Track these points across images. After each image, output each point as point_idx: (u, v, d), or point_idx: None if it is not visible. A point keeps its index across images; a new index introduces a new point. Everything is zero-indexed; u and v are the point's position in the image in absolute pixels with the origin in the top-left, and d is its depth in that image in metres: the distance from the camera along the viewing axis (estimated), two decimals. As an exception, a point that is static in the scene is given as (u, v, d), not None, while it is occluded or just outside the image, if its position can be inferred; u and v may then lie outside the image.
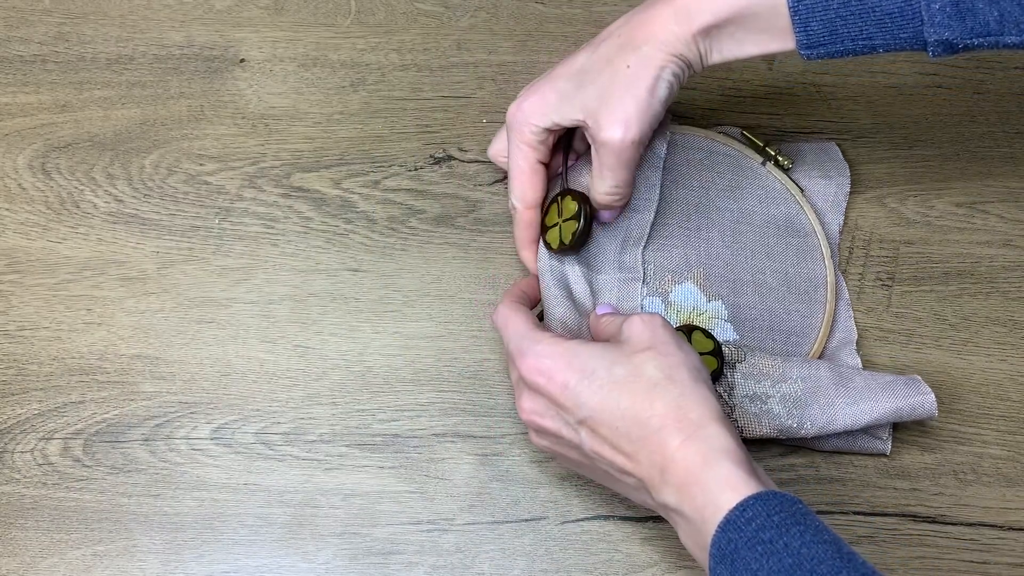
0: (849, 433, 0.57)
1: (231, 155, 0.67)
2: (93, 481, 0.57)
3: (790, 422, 0.55)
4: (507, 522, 0.56)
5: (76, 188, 0.65)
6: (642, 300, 0.59)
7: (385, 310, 0.62)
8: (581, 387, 0.49)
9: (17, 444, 0.58)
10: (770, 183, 0.64)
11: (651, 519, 0.56)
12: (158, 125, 0.67)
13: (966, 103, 0.71)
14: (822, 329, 0.60)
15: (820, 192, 0.65)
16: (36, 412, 0.58)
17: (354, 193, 0.66)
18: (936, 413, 0.55)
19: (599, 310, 0.56)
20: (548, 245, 0.58)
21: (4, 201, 0.65)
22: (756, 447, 0.58)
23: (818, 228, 0.63)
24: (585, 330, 0.57)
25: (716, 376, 0.56)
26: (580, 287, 0.58)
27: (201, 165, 0.66)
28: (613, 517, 0.56)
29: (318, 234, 0.64)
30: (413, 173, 0.67)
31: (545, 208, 0.59)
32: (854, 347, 0.60)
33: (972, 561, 0.56)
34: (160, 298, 0.62)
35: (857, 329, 0.62)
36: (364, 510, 0.57)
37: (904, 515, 0.57)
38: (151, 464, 0.57)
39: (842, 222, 0.65)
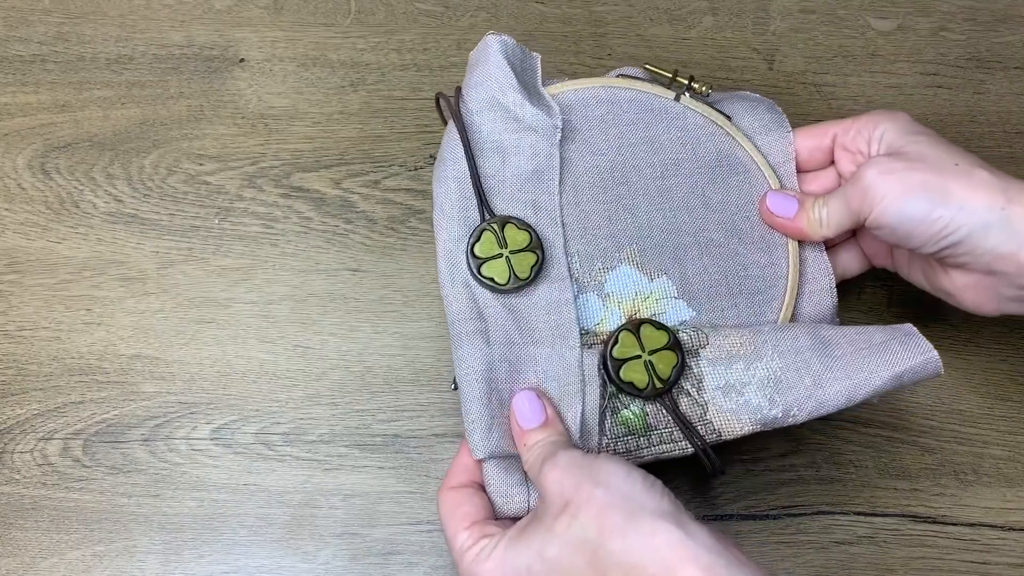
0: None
1: (231, 155, 0.67)
2: (93, 481, 0.57)
3: (774, 412, 0.48)
4: (507, 522, 0.56)
5: (76, 188, 0.65)
6: (576, 301, 0.51)
7: (385, 310, 0.62)
8: None
9: (17, 444, 0.58)
10: (690, 120, 0.54)
11: (651, 519, 0.56)
12: (158, 125, 0.67)
13: (966, 103, 0.71)
14: (790, 277, 0.53)
15: (749, 112, 0.56)
16: (36, 412, 0.58)
17: (354, 193, 0.66)
18: (942, 370, 0.49)
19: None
20: (491, 282, 0.50)
21: (4, 201, 0.65)
22: (755, 448, 0.58)
23: (757, 156, 0.54)
24: (495, 366, 0.49)
25: (680, 371, 0.49)
26: (494, 310, 0.50)
27: (201, 165, 0.66)
28: (613, 517, 0.56)
29: (318, 234, 0.64)
30: (413, 173, 0.67)
31: (475, 235, 0.50)
32: (833, 289, 0.53)
33: (972, 561, 0.56)
34: (160, 298, 0.62)
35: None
36: (364, 510, 0.57)
37: (904, 515, 0.57)
38: (151, 464, 0.57)
39: (791, 144, 0.55)
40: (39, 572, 0.55)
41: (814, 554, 0.56)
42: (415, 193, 0.66)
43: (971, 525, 0.57)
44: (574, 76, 0.57)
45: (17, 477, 0.57)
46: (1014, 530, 0.57)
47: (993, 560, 0.56)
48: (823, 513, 0.57)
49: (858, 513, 0.57)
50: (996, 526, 0.57)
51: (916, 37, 0.74)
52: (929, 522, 0.57)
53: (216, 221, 0.64)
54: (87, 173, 0.66)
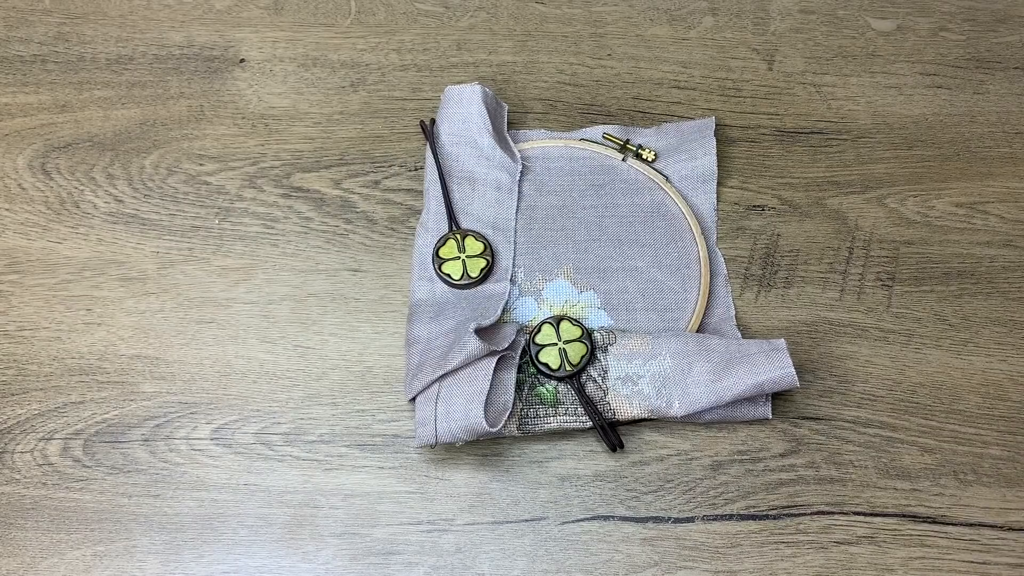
0: (727, 405, 0.58)
1: (231, 155, 0.67)
2: (93, 481, 0.57)
3: (659, 402, 0.57)
4: (507, 522, 0.56)
5: (76, 188, 0.65)
6: (514, 302, 0.62)
7: (385, 310, 0.62)
8: None
9: (17, 444, 0.58)
10: (633, 176, 0.67)
11: (651, 519, 0.56)
12: (158, 125, 0.67)
13: (966, 103, 0.71)
14: (698, 302, 0.62)
15: (687, 175, 0.67)
16: (36, 412, 0.58)
17: (354, 193, 0.66)
18: (797, 384, 0.56)
19: None
20: (447, 277, 0.61)
21: (4, 201, 0.65)
22: (755, 448, 0.58)
23: (685, 209, 0.65)
24: (434, 337, 0.58)
25: (588, 360, 0.58)
26: (447, 296, 0.61)
27: (201, 165, 0.66)
28: (613, 517, 0.56)
29: (318, 234, 0.64)
30: (413, 173, 0.67)
31: (441, 240, 0.62)
32: (734, 322, 0.62)
33: (972, 561, 0.56)
34: (160, 298, 0.62)
35: (854, 328, 0.62)
36: (364, 510, 0.57)
37: (904, 515, 0.57)
38: (151, 464, 0.57)
39: (715, 199, 0.66)
40: (39, 572, 0.55)
41: (814, 554, 0.56)
42: (415, 193, 0.66)
43: (971, 525, 0.57)
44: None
45: (17, 477, 0.57)
46: (1014, 530, 0.57)
47: (993, 560, 0.56)
48: (823, 513, 0.57)
49: (858, 513, 0.57)
50: (996, 526, 0.57)
51: (916, 37, 0.74)
52: (929, 522, 0.57)
53: (216, 221, 0.65)
54: (87, 173, 0.66)
